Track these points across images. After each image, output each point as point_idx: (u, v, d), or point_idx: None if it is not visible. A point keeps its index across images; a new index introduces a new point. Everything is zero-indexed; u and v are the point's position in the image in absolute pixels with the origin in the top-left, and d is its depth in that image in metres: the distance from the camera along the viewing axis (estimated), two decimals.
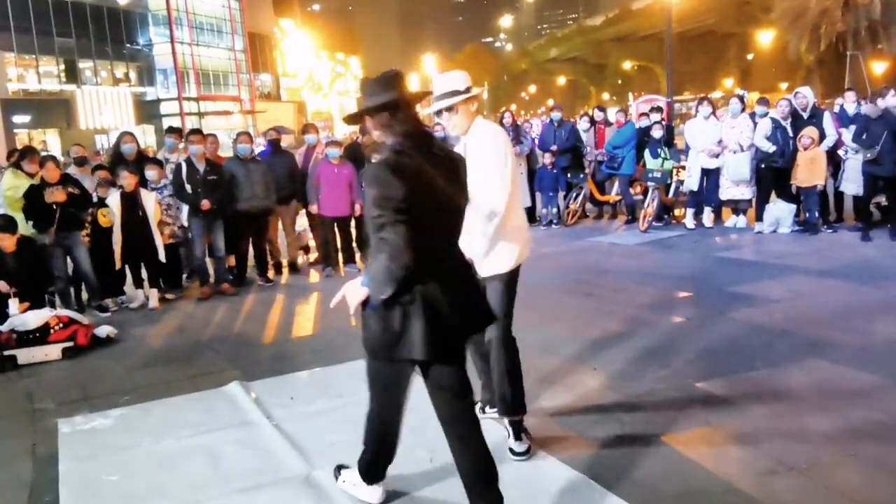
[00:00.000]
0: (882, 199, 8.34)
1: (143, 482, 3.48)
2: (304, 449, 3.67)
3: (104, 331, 5.97)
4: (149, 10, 46.46)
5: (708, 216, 9.37)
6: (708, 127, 9.14)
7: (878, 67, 33.44)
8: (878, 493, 2.98)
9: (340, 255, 8.31)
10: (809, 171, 8.26)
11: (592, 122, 11.10)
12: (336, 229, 8.14)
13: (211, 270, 7.63)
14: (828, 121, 8.68)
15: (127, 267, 7.17)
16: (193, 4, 48.76)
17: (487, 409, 3.80)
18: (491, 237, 3.29)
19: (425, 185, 2.56)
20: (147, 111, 44.78)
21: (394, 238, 2.46)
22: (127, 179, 6.95)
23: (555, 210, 10.47)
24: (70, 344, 5.63)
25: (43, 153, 8.34)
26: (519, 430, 3.46)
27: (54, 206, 6.55)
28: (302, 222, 8.96)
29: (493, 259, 3.34)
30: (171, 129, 9.16)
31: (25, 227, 6.56)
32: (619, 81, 74.00)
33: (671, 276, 6.88)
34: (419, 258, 2.51)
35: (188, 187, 7.22)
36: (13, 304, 5.91)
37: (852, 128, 8.42)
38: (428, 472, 3.31)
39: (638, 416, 3.81)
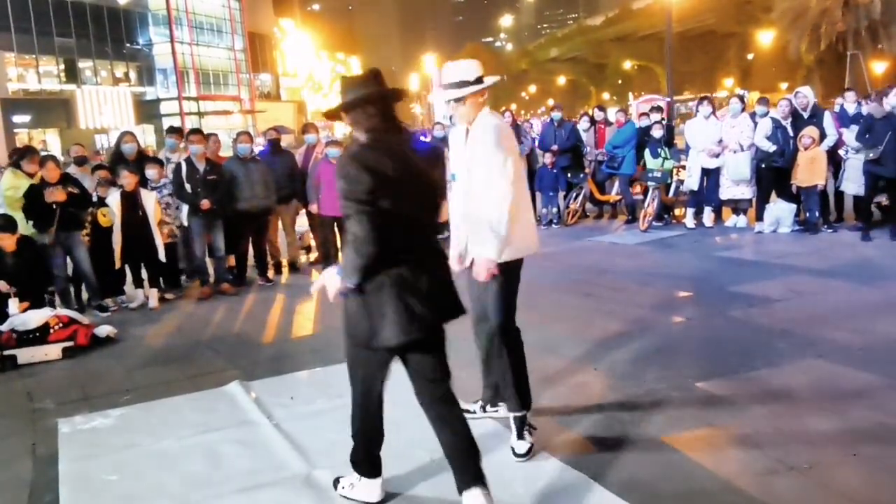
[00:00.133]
0: (883, 199, 8.33)
1: (143, 482, 3.48)
2: (305, 449, 3.68)
3: (104, 330, 5.97)
4: (149, 10, 46.49)
5: (708, 216, 9.37)
6: (708, 127, 9.13)
7: (879, 67, 33.43)
8: (878, 493, 2.97)
9: (340, 255, 8.30)
10: (810, 170, 8.25)
11: (592, 121, 11.10)
12: (336, 229, 8.14)
13: (211, 270, 7.63)
14: (828, 120, 8.67)
15: (127, 267, 7.17)
16: (193, 4, 48.78)
17: (489, 407, 3.79)
18: (505, 225, 3.19)
19: (392, 177, 2.64)
20: (147, 111, 44.80)
21: (357, 229, 2.59)
22: (127, 179, 6.96)
23: (555, 210, 10.47)
24: (70, 344, 5.63)
25: (43, 153, 8.34)
26: (522, 428, 3.43)
27: (54, 206, 6.55)
28: (303, 223, 8.96)
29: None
30: (171, 129, 9.16)
31: (25, 227, 6.56)
32: (619, 81, 73.94)
33: (671, 276, 6.88)
34: (392, 247, 2.63)
35: (188, 187, 7.22)
36: (13, 304, 5.91)
37: (853, 127, 8.42)
38: (428, 473, 3.31)
39: (638, 416, 3.80)
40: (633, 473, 3.21)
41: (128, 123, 39.08)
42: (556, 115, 10.88)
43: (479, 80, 3.30)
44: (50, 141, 35.37)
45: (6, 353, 5.47)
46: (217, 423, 4.08)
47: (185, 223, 7.48)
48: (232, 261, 7.88)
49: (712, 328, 5.22)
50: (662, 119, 10.60)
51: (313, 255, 8.94)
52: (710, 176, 9.14)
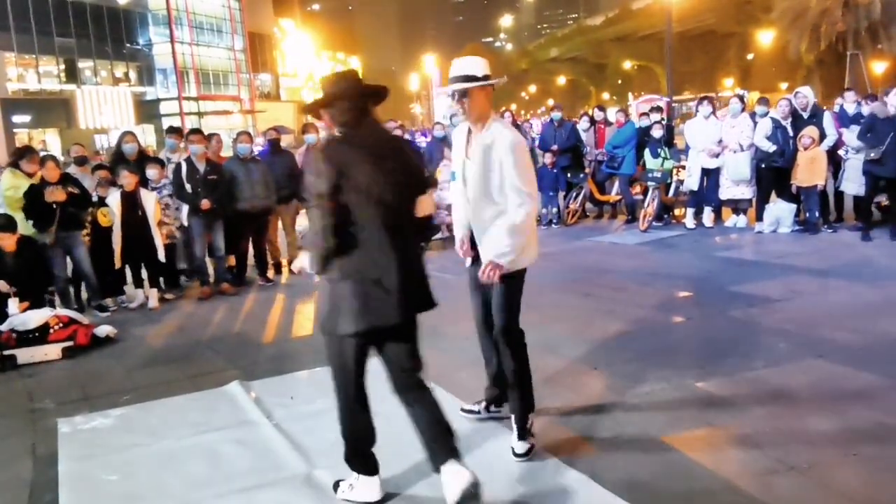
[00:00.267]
0: (883, 199, 8.34)
1: (143, 482, 3.48)
2: (305, 448, 3.67)
3: (104, 330, 5.97)
4: (149, 10, 46.49)
5: (708, 216, 9.37)
6: (708, 127, 9.14)
7: (878, 67, 33.40)
8: (878, 493, 2.97)
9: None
10: (810, 170, 8.25)
11: (592, 121, 11.11)
12: None
13: (211, 270, 7.63)
14: (828, 120, 8.67)
15: (127, 267, 7.17)
16: (193, 4, 48.78)
17: (493, 407, 3.79)
18: (524, 241, 3.27)
19: (361, 170, 2.71)
20: (147, 111, 44.81)
21: (316, 221, 2.70)
22: (127, 179, 6.96)
23: (555, 210, 10.47)
24: (70, 343, 5.63)
25: (43, 153, 8.33)
26: (524, 429, 3.42)
27: (54, 206, 6.55)
28: (303, 223, 8.95)
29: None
30: (171, 130, 9.15)
31: (25, 227, 6.55)
32: (619, 81, 73.93)
33: (671, 276, 6.88)
34: (360, 238, 2.72)
35: (188, 187, 7.22)
36: (13, 304, 5.90)
37: (853, 127, 8.42)
38: (427, 472, 3.29)
39: (638, 416, 3.80)
40: (633, 473, 3.21)
41: (128, 123, 39.09)
42: (556, 115, 10.89)
43: (485, 78, 3.29)
44: (50, 141, 35.38)
45: (6, 352, 5.47)
46: (217, 423, 4.08)
47: (186, 223, 7.48)
48: (232, 261, 7.88)
49: (712, 328, 5.22)
50: (662, 119, 10.61)
51: None
52: (710, 176, 9.14)
